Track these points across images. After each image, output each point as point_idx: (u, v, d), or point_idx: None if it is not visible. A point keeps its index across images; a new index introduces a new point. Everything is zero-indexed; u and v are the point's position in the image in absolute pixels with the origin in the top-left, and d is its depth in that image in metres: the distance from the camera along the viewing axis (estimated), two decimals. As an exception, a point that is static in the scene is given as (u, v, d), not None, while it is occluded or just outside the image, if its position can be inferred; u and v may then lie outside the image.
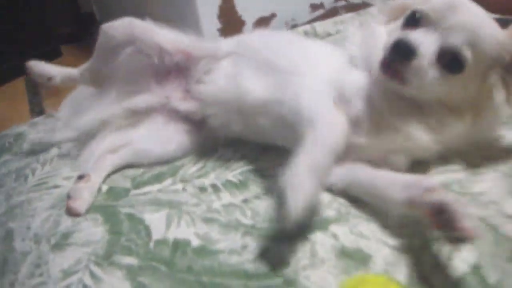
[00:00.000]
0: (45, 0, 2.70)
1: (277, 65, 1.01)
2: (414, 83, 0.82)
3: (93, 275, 0.82)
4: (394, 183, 0.80)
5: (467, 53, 0.81)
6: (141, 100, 1.18)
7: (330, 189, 0.91)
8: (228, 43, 1.18)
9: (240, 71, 1.05)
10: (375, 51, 0.89)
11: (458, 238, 0.68)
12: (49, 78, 1.28)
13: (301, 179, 0.72)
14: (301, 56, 1.03)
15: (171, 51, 1.14)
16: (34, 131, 1.47)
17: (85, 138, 1.22)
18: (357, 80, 0.92)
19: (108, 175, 1.11)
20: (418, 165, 0.92)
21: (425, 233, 0.78)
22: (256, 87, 1.00)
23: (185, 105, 1.15)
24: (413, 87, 0.83)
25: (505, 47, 0.83)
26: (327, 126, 0.80)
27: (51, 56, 2.48)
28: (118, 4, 2.55)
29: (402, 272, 0.73)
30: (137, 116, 1.19)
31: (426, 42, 0.81)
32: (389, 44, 0.82)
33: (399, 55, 0.81)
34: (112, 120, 1.18)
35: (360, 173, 0.89)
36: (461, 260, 0.74)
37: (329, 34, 1.79)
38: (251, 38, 1.21)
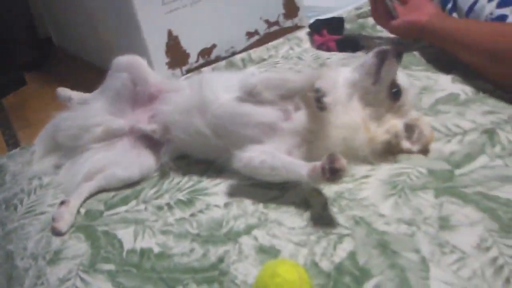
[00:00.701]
0: (3, 28, 2.71)
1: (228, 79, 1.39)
2: None
3: (82, 280, 1.10)
4: (301, 163, 1.14)
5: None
6: (116, 122, 1.48)
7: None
8: (186, 81, 1.57)
9: (203, 82, 1.37)
10: None
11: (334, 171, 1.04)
12: (69, 99, 1.59)
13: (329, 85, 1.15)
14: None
15: (150, 84, 1.46)
16: (13, 163, 1.71)
17: (63, 163, 1.52)
18: None
19: (85, 200, 1.38)
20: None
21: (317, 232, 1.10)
22: (218, 88, 1.33)
23: (149, 126, 1.43)
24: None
25: None
26: None
27: (15, 84, 2.57)
28: (74, 30, 2.72)
29: (301, 260, 1.03)
30: (110, 138, 1.48)
31: None
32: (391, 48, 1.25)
33: (397, 55, 1.28)
34: (91, 130, 1.46)
35: (274, 155, 1.20)
36: (342, 249, 1.04)
37: (263, 59, 2.07)
38: (204, 75, 1.64)
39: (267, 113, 1.25)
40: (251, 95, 1.25)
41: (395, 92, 1.26)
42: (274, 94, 1.23)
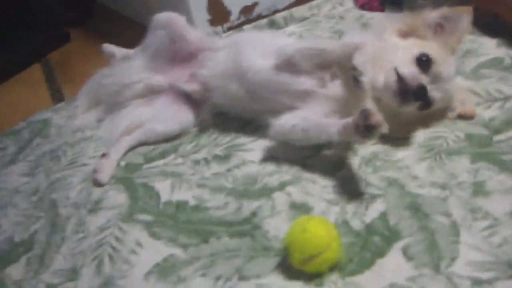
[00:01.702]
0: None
1: (267, 43, 1.36)
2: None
3: (120, 229, 1.16)
4: (332, 123, 1.12)
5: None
6: (155, 78, 1.51)
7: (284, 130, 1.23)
8: (224, 41, 1.52)
9: (239, 48, 1.36)
10: (390, 68, 1.17)
11: (369, 128, 1.00)
12: (113, 55, 1.63)
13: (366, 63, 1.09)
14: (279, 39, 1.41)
15: (189, 42, 1.47)
16: (58, 116, 1.77)
17: (105, 117, 1.57)
18: None
19: (125, 153, 1.42)
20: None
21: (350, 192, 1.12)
22: (253, 56, 1.32)
23: (190, 86, 1.45)
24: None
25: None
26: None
27: (60, 41, 2.60)
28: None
29: (332, 218, 1.05)
30: (149, 94, 1.51)
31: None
32: (414, 88, 1.12)
33: (417, 100, 1.15)
34: (131, 87, 1.50)
35: (306, 118, 1.20)
36: (373, 209, 1.06)
37: (305, 18, 2.05)
38: (238, 35, 1.60)
39: (303, 82, 1.25)
40: (288, 64, 1.25)
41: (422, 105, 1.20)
42: (311, 64, 1.23)
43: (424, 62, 1.18)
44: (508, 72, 1.42)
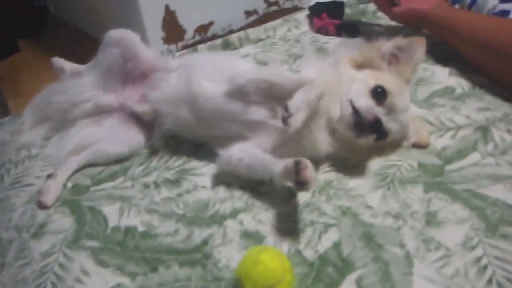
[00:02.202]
0: (-2, -6, 2.69)
1: (221, 66, 1.34)
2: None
3: (65, 255, 1.09)
4: (277, 162, 1.11)
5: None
6: (106, 98, 1.45)
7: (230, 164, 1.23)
8: (177, 60, 1.49)
9: (192, 72, 1.33)
10: (345, 100, 1.18)
11: (299, 183, 1.01)
12: (63, 70, 1.54)
13: (300, 105, 1.08)
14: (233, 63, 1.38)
15: (142, 61, 1.43)
16: (2, 132, 1.67)
17: (52, 135, 1.49)
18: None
19: (72, 174, 1.36)
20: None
21: (303, 220, 1.10)
22: (206, 81, 1.30)
23: (140, 107, 1.41)
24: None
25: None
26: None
27: (9, 50, 2.53)
28: (71, -1, 2.69)
29: (284, 247, 1.03)
30: (99, 114, 1.46)
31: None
32: (370, 122, 1.14)
33: (373, 133, 1.16)
34: (80, 106, 1.44)
35: (253, 153, 1.20)
36: (326, 239, 1.04)
37: (260, 40, 2.04)
38: (193, 57, 1.55)
39: (254, 112, 1.24)
40: (239, 93, 1.24)
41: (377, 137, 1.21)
42: (262, 95, 1.23)
43: (379, 94, 1.19)
44: (460, 102, 1.45)
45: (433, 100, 1.47)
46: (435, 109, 1.43)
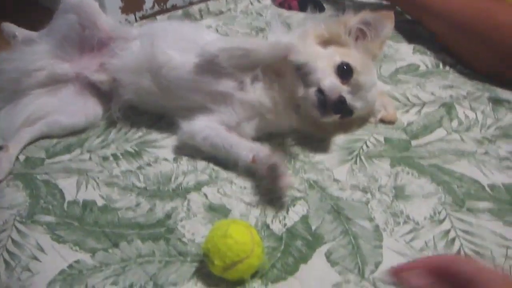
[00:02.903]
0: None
1: (186, 36, 1.28)
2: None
3: (19, 231, 1.02)
4: (244, 145, 1.11)
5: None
6: (61, 66, 1.36)
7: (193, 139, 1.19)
8: (138, 30, 1.41)
9: (155, 40, 1.26)
10: (314, 77, 1.12)
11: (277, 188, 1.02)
12: (14, 36, 1.46)
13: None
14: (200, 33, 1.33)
15: (100, 29, 1.34)
16: None
17: (1, 106, 1.38)
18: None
19: (25, 146, 1.28)
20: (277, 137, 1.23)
21: (270, 192, 1.07)
22: (171, 51, 1.23)
23: (98, 76, 1.34)
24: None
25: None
26: None
27: None
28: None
29: (252, 221, 1.00)
30: (54, 83, 1.37)
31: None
32: (333, 101, 1.11)
33: (337, 113, 1.13)
34: (33, 75, 1.34)
35: (218, 132, 1.17)
36: (294, 212, 1.02)
37: (221, 12, 1.98)
38: (156, 25, 1.51)
39: (221, 83, 1.19)
40: (209, 64, 1.19)
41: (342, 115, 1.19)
42: (235, 65, 1.17)
43: (344, 72, 1.16)
44: (425, 79, 1.45)
45: (398, 77, 1.48)
46: (400, 85, 1.43)
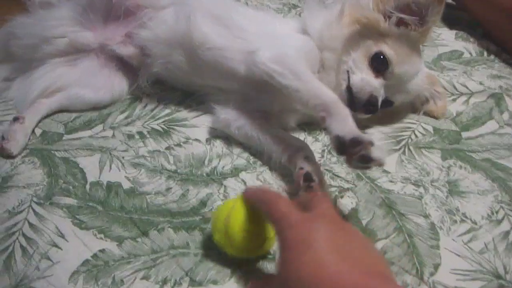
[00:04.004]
0: None
1: (225, 21, 1.13)
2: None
3: (37, 214, 0.92)
4: (281, 141, 1.02)
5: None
6: (83, 35, 1.25)
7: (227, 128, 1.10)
8: None
9: (192, 14, 1.13)
10: (343, 69, 1.05)
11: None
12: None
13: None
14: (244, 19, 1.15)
15: None
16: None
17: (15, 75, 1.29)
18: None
19: (41, 119, 1.18)
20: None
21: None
22: (209, 30, 1.11)
23: (124, 49, 1.23)
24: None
25: None
26: None
27: None
28: None
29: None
30: (74, 53, 1.26)
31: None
32: (363, 102, 1.01)
33: (367, 113, 1.03)
34: (52, 42, 1.23)
35: (254, 123, 1.08)
36: (343, 205, 0.93)
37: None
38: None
39: None
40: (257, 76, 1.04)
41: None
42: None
43: (379, 63, 1.04)
44: (470, 67, 1.36)
45: (442, 63, 1.37)
46: (446, 72, 1.33)
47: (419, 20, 1.04)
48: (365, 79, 1.03)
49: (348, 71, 1.05)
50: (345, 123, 0.86)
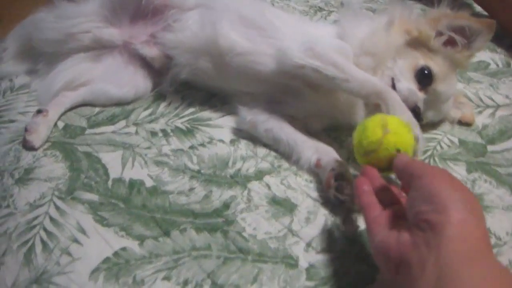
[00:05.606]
0: None
1: (256, 22, 1.12)
2: None
3: (58, 208, 0.92)
4: (308, 145, 1.01)
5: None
6: (109, 31, 1.25)
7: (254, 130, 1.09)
8: None
9: (217, 20, 1.12)
10: (387, 76, 1.04)
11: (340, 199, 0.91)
12: None
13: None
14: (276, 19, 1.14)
15: None
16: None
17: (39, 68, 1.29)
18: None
19: (65, 112, 1.18)
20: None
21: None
22: (236, 36, 1.09)
23: (148, 50, 1.23)
24: None
25: None
26: None
27: None
28: None
29: (320, 220, 0.90)
30: (99, 49, 1.26)
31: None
32: (409, 108, 0.98)
33: None
34: (77, 37, 1.24)
35: (282, 126, 1.07)
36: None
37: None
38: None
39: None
40: (289, 72, 1.04)
41: None
42: (314, 81, 1.04)
43: (424, 77, 1.04)
44: (496, 79, 1.34)
45: (468, 74, 1.35)
46: (472, 84, 1.31)
47: (467, 43, 1.05)
48: (412, 90, 1.03)
49: (392, 78, 1.04)
50: (401, 107, 0.94)
